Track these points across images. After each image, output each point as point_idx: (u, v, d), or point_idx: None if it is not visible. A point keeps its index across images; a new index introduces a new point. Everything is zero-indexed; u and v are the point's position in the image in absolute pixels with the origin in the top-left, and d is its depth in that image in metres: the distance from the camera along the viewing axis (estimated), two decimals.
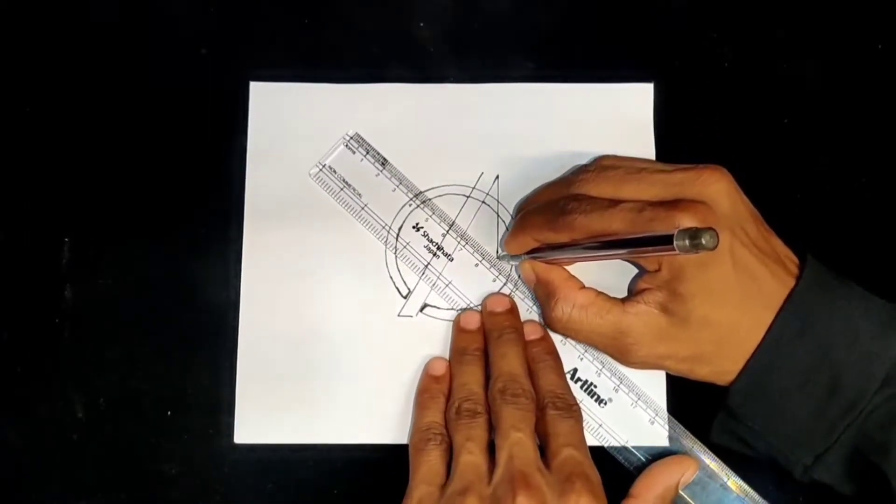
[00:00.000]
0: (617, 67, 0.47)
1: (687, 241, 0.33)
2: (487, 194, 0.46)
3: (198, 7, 0.47)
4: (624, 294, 0.43)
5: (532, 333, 0.43)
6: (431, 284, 0.45)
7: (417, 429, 0.42)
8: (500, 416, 0.39)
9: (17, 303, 0.45)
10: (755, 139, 0.46)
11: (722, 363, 0.40)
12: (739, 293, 0.38)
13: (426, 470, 0.40)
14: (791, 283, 0.39)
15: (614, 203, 0.39)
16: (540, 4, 0.48)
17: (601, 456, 0.43)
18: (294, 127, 0.46)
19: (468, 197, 0.46)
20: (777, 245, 0.41)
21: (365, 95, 0.46)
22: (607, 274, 0.43)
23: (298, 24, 0.47)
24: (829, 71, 0.47)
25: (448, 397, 0.42)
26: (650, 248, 0.36)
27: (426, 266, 0.45)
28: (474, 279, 0.45)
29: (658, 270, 0.39)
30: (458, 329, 0.44)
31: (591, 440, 0.43)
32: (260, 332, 0.44)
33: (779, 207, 0.42)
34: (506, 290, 0.45)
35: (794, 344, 0.38)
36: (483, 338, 0.43)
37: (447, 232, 0.45)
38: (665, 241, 0.34)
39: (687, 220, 0.36)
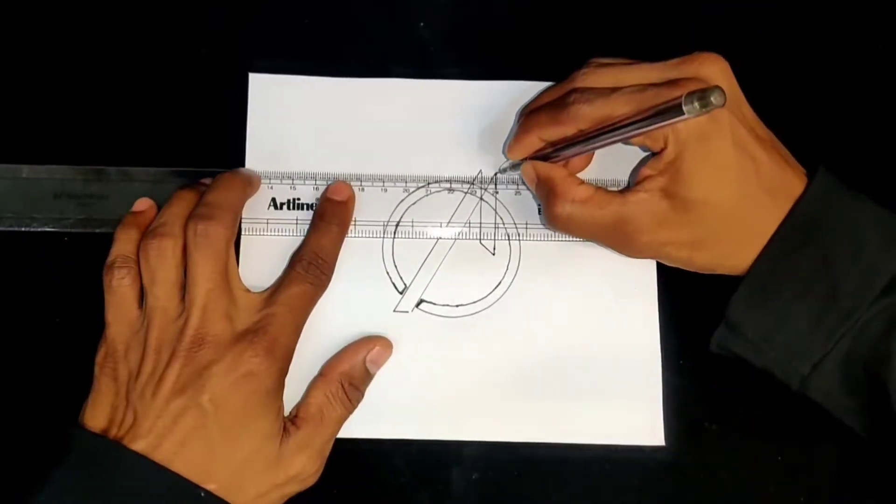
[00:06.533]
0: None
1: (696, 103, 0.33)
2: (486, 191, 0.46)
3: (198, 6, 0.48)
4: None
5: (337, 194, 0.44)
6: (428, 280, 0.45)
7: (107, 262, 0.41)
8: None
9: (16, 303, 0.45)
10: None
11: (722, 247, 0.40)
12: (737, 172, 0.39)
13: (115, 304, 0.40)
14: (797, 184, 0.40)
15: (616, 89, 0.39)
16: (541, 3, 0.48)
17: (600, 456, 0.43)
18: (293, 120, 0.46)
19: (466, 193, 0.46)
20: (781, 147, 0.41)
21: (365, 90, 0.46)
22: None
23: (298, 24, 0.47)
24: (829, 71, 0.47)
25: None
26: (658, 122, 0.36)
27: (423, 262, 0.45)
28: (472, 276, 0.45)
29: (665, 149, 0.39)
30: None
31: (588, 439, 0.43)
32: None
33: None
34: (504, 284, 0.45)
35: (796, 253, 0.39)
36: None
37: (445, 228, 0.45)
38: (674, 111, 0.34)
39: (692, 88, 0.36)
